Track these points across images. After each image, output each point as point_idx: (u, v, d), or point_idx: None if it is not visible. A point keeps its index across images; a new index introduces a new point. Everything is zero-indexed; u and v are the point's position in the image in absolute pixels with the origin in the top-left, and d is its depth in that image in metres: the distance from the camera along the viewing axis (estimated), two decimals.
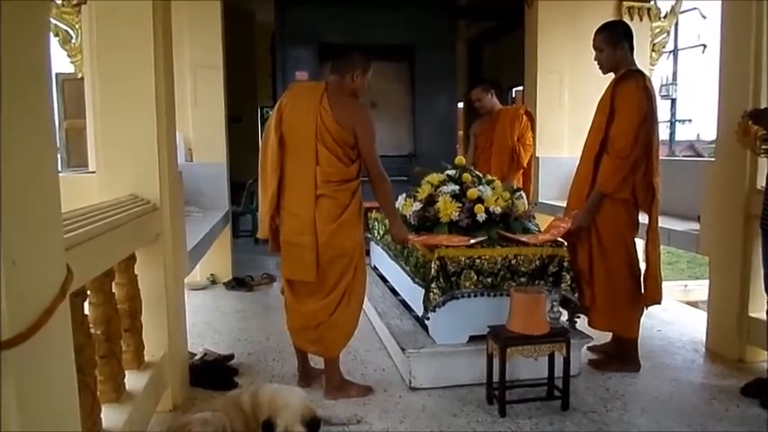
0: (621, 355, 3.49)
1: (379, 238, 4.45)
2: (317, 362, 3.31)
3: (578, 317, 3.40)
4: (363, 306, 3.19)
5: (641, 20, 6.08)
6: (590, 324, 3.44)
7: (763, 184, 3.08)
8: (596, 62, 3.36)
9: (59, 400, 1.32)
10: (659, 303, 3.42)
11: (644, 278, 3.37)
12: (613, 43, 3.26)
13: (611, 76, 3.34)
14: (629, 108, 3.14)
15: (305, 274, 2.98)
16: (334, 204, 2.94)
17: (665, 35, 6.28)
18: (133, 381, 2.49)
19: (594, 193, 3.26)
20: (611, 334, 3.57)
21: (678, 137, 20.99)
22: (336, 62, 3.06)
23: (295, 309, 3.12)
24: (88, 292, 2.12)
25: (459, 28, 8.29)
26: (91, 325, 2.12)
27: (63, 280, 1.31)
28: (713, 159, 3.82)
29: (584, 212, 3.29)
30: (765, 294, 3.02)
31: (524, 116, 5.02)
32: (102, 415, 2.05)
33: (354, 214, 3.01)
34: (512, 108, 5.34)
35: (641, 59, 4.95)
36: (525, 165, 5.01)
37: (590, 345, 3.54)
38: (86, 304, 2.11)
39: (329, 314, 3.03)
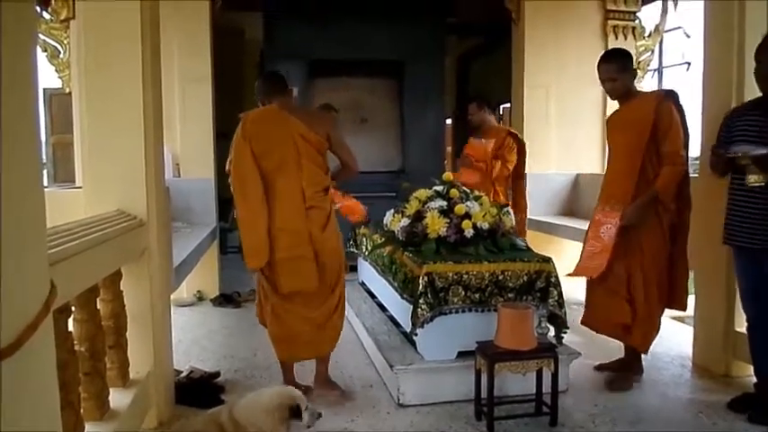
0: (631, 364, 3.54)
1: (367, 253, 4.45)
2: (301, 378, 3.31)
3: (565, 332, 3.40)
4: (351, 321, 3.22)
5: (626, 38, 6.16)
6: (631, 342, 3.47)
7: None
8: (608, 91, 3.51)
9: (41, 417, 1.30)
10: (685, 310, 3.56)
11: (677, 286, 3.45)
12: (624, 70, 3.43)
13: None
14: (675, 127, 3.31)
15: (308, 284, 3.12)
16: (321, 214, 3.16)
17: (649, 53, 6.36)
18: (118, 398, 2.46)
19: (649, 193, 3.31)
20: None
21: None
22: (274, 85, 3.26)
23: (295, 319, 3.18)
24: (73, 309, 2.10)
25: (448, 44, 8.36)
26: (75, 341, 2.10)
27: (46, 296, 1.30)
28: (696, 176, 3.85)
29: (636, 210, 3.31)
30: (743, 312, 3.07)
31: (508, 137, 5.08)
32: None
33: (333, 217, 3.28)
34: (497, 128, 5.34)
35: None
36: (494, 178, 5.00)
37: (598, 364, 3.67)
38: (71, 320, 2.09)
39: (331, 314, 3.23)
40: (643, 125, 3.35)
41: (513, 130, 5.28)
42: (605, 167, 3.73)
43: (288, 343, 3.22)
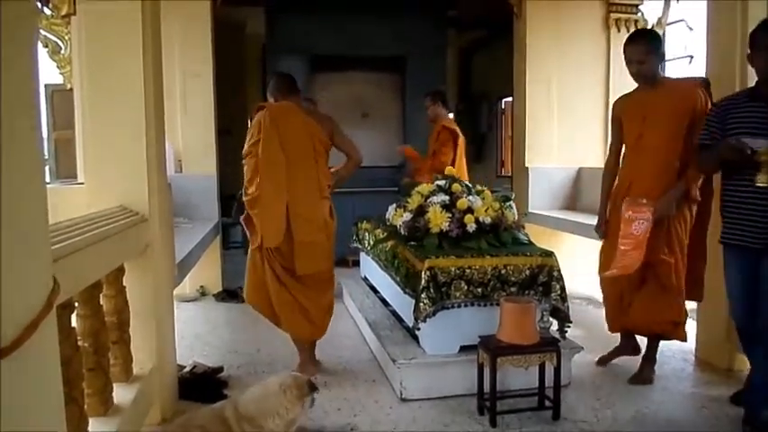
0: (651, 358, 3.52)
1: (369, 248, 4.45)
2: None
3: (568, 327, 3.40)
4: (354, 316, 3.26)
5: (628, 31, 6.09)
6: (678, 336, 3.42)
7: None
8: (633, 74, 3.37)
9: (46, 413, 1.31)
10: (702, 300, 3.55)
11: (697, 276, 3.42)
12: (654, 52, 3.32)
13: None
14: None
15: (320, 266, 3.45)
16: (329, 203, 3.52)
17: None
18: (121, 394, 2.46)
19: (681, 184, 3.25)
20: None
21: None
22: (290, 85, 3.53)
23: (310, 301, 3.45)
24: (76, 305, 2.10)
25: (449, 38, 8.34)
26: (78, 337, 2.10)
27: (49, 292, 1.30)
28: None
29: (669, 202, 3.25)
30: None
31: (443, 131, 5.06)
32: (89, 428, 2.03)
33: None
34: (440, 123, 5.28)
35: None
36: (429, 170, 4.98)
37: (599, 358, 3.65)
38: (74, 316, 2.09)
39: (331, 304, 3.61)
40: (683, 113, 3.26)
41: (447, 124, 5.21)
42: (621, 160, 3.57)
43: (306, 322, 3.46)
